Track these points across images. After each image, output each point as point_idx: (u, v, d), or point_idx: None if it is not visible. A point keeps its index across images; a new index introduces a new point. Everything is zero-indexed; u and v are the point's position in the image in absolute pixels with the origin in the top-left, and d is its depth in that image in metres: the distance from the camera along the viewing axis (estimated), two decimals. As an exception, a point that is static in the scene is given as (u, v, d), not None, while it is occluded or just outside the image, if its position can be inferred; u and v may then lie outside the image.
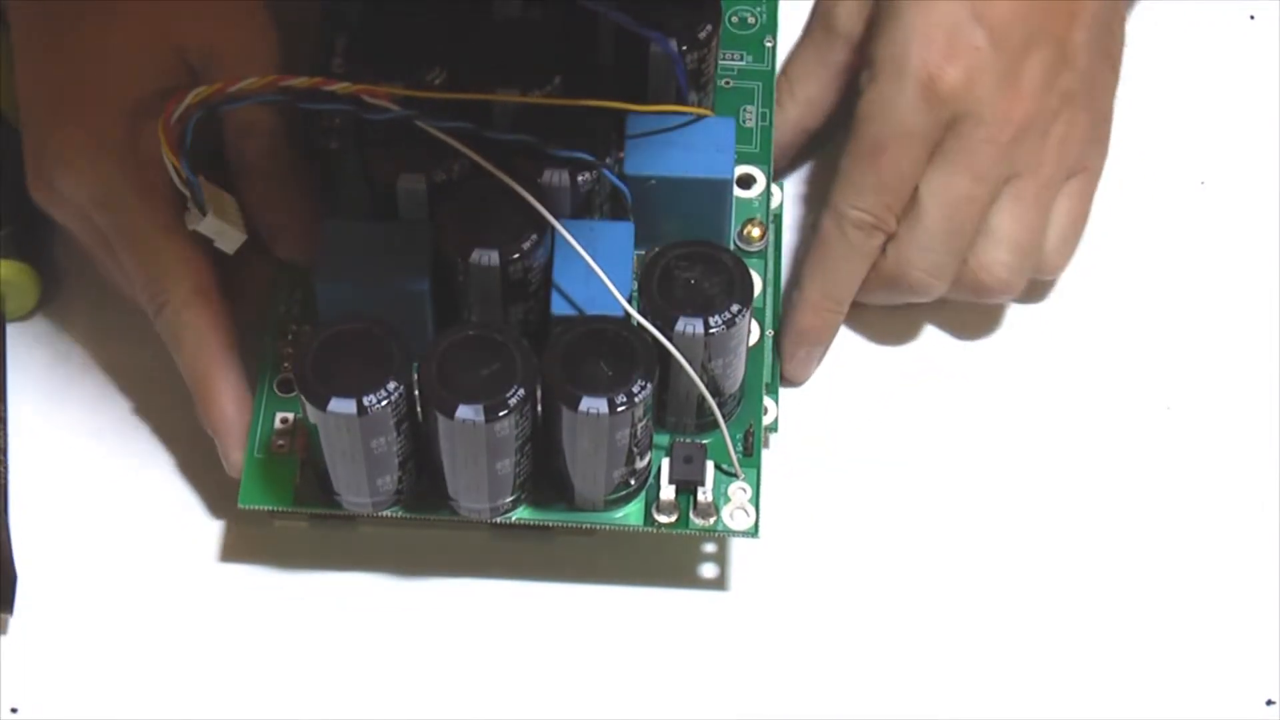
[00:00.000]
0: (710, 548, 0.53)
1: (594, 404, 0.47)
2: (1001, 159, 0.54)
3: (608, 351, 0.48)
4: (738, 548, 0.53)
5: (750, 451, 0.51)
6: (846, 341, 0.56)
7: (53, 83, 0.53)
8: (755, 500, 0.50)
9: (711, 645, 0.52)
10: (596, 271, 0.49)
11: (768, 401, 0.53)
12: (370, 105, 0.50)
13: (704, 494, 0.50)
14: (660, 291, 0.49)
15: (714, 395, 0.50)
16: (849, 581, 0.53)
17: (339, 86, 0.50)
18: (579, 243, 0.49)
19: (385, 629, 0.52)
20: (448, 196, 0.50)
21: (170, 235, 0.52)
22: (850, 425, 0.55)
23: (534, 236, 0.49)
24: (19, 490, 0.54)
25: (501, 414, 0.47)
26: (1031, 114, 0.54)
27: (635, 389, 0.47)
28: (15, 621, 0.52)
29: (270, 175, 0.53)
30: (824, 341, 0.55)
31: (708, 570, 0.53)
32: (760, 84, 0.56)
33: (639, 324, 0.48)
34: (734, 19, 0.57)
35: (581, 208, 0.51)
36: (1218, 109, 0.61)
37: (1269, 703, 0.51)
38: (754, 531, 0.50)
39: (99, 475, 0.54)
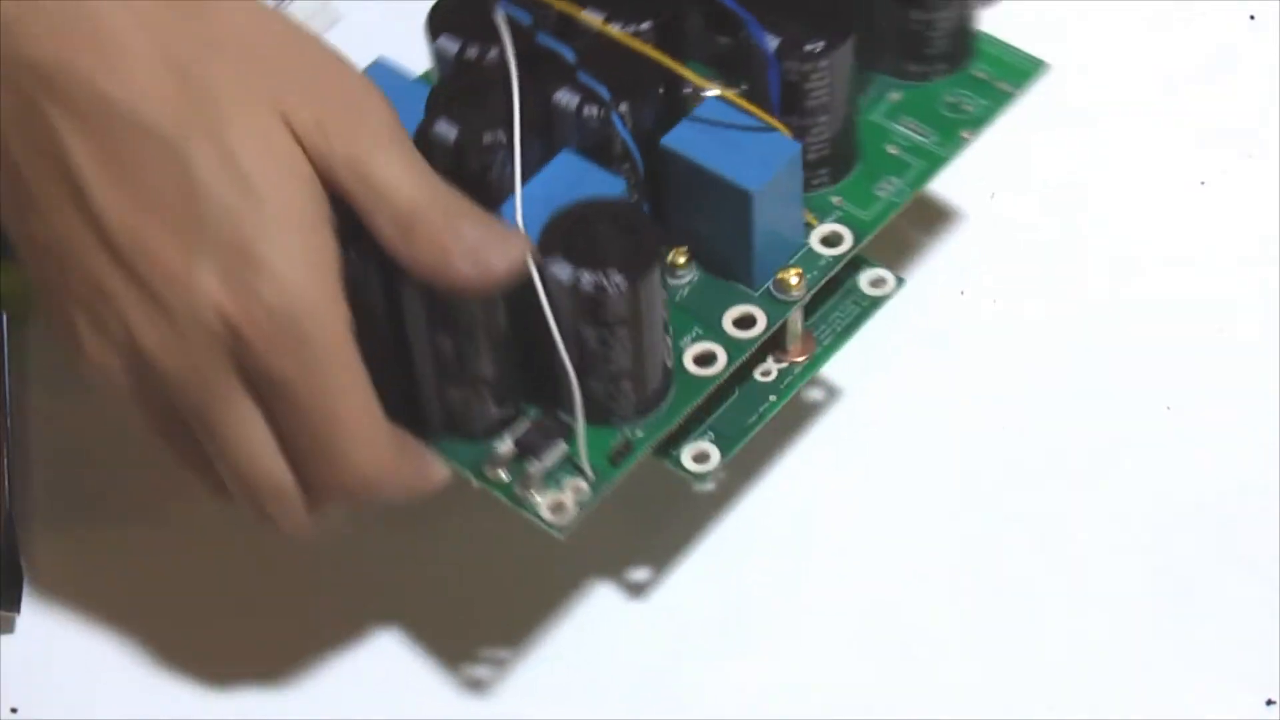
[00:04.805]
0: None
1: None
2: None
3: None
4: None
5: (616, 463, 0.48)
6: (849, 342, 0.56)
7: None
8: (582, 506, 0.47)
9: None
10: (516, 203, 0.47)
11: (705, 446, 0.50)
12: None
13: (535, 466, 0.47)
14: (557, 231, 0.46)
15: (584, 374, 0.47)
16: (846, 582, 0.53)
17: None
18: (561, 176, 0.47)
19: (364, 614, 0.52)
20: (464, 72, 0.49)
21: None
22: (848, 418, 0.55)
23: (500, 134, 0.48)
24: (23, 489, 0.54)
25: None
26: None
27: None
28: (18, 621, 0.52)
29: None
30: None
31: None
32: (922, 166, 0.53)
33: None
34: (951, 99, 0.54)
35: (595, 152, 0.49)
36: (1218, 109, 0.61)
37: (1269, 703, 0.51)
38: (559, 531, 0.47)
39: (101, 475, 0.55)
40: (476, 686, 0.52)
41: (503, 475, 0.48)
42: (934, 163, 0.53)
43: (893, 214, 0.52)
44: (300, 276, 0.44)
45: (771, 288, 0.50)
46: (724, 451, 0.50)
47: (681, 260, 0.50)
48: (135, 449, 0.55)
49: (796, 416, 0.55)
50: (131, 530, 0.54)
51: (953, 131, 0.53)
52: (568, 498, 0.47)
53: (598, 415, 0.48)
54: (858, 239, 0.51)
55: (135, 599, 0.53)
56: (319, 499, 0.46)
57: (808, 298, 0.50)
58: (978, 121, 0.53)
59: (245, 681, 0.51)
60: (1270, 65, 0.61)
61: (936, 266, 0.58)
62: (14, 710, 0.51)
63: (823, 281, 0.51)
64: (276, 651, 0.52)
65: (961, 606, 0.52)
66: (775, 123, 0.49)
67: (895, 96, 0.54)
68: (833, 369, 0.56)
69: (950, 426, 0.55)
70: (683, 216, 0.50)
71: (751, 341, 0.49)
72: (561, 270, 0.46)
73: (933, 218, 0.59)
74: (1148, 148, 0.60)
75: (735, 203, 0.49)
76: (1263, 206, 0.59)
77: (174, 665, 0.52)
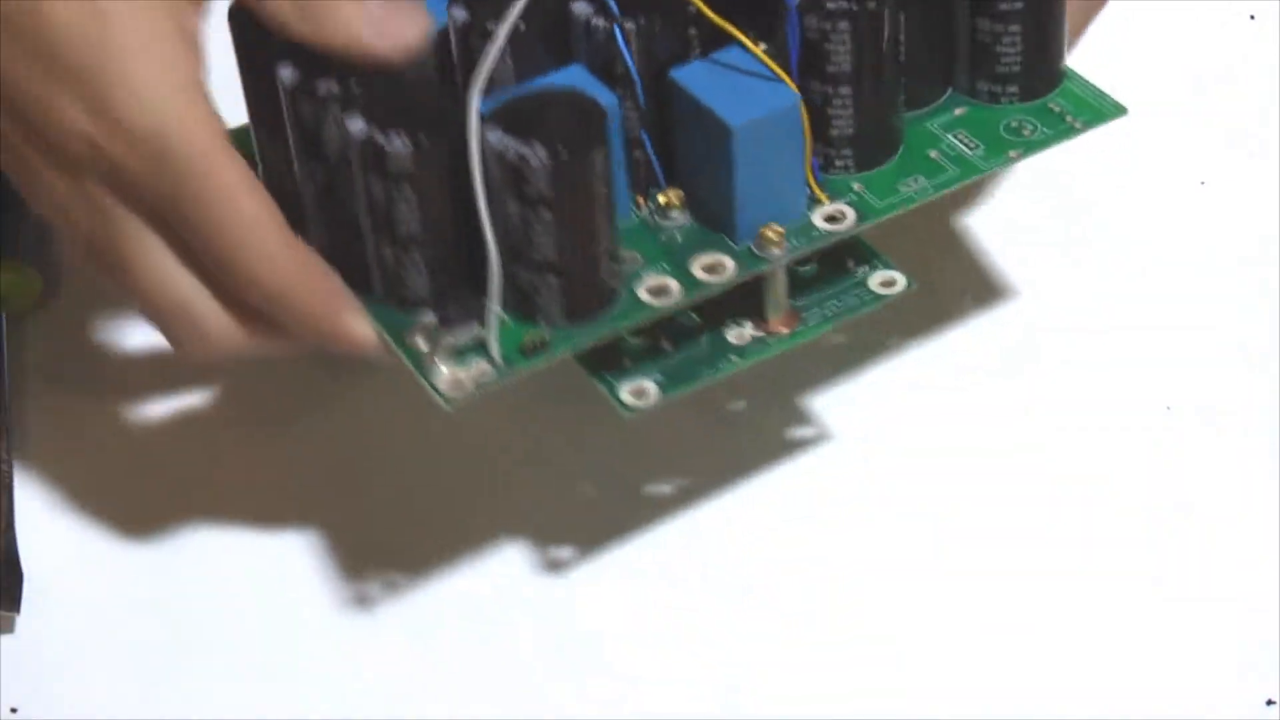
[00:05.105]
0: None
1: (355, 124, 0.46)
2: None
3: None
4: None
5: (527, 355, 0.47)
6: (842, 338, 0.56)
7: None
8: (479, 387, 0.47)
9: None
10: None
11: (647, 384, 0.49)
12: None
13: (446, 340, 0.47)
14: (508, 106, 0.46)
15: (510, 258, 0.47)
16: (828, 579, 0.53)
17: None
18: (557, 79, 0.48)
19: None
20: None
21: None
22: (842, 414, 0.55)
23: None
24: (23, 489, 0.54)
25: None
26: None
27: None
28: (18, 621, 0.52)
29: None
30: None
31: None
32: (956, 172, 0.51)
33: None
34: (1014, 122, 0.52)
35: (603, 70, 0.49)
36: (1218, 109, 0.61)
37: (1269, 703, 0.51)
38: (448, 404, 0.46)
39: (102, 474, 0.55)
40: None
41: (421, 344, 0.47)
42: (968, 171, 0.51)
43: (905, 208, 0.51)
44: (156, 92, 0.44)
45: (753, 244, 0.49)
46: (664, 390, 0.49)
47: (676, 202, 0.50)
48: (134, 449, 0.55)
49: (779, 411, 0.55)
50: (132, 530, 0.54)
51: (1002, 149, 0.52)
52: (468, 376, 0.47)
53: (525, 308, 0.48)
54: (860, 222, 0.50)
55: (135, 599, 0.53)
56: (243, 322, 0.47)
57: (786, 259, 0.49)
58: (1032, 146, 0.52)
59: (245, 682, 0.51)
60: (1270, 65, 0.61)
61: (936, 266, 0.58)
62: (14, 710, 0.51)
63: (808, 251, 0.50)
64: (277, 650, 0.52)
65: (954, 604, 0.52)
66: (783, 74, 0.48)
67: (959, 111, 0.53)
68: (826, 362, 0.56)
69: (947, 426, 0.55)
70: (684, 160, 0.50)
71: (710, 285, 0.49)
72: (493, 135, 0.46)
73: (933, 218, 0.59)
74: (1148, 148, 0.60)
75: (719, 139, 0.48)
76: (1263, 206, 0.59)
77: (173, 665, 0.52)
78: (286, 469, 0.55)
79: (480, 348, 0.47)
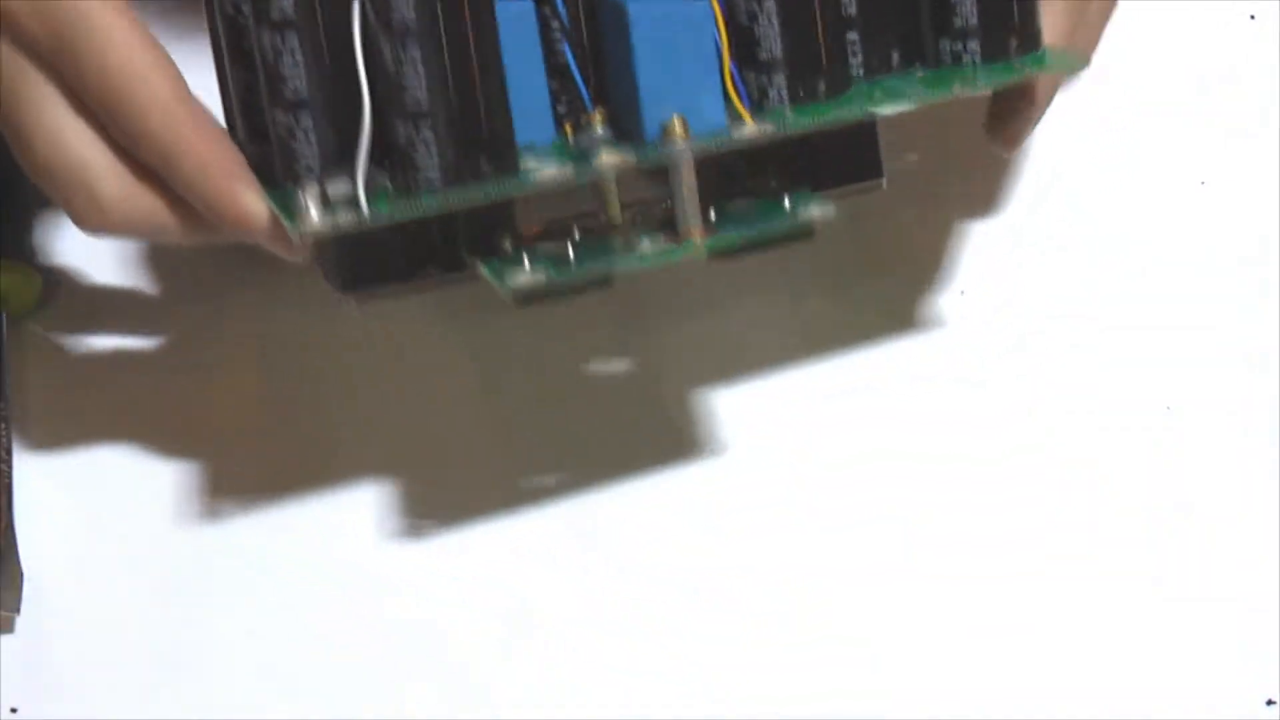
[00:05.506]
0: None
1: None
2: None
3: None
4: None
5: (390, 205, 0.46)
6: (842, 334, 0.56)
7: None
8: (333, 228, 0.46)
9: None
10: None
11: (536, 276, 0.47)
12: None
13: (315, 190, 0.46)
14: None
15: (386, 109, 0.46)
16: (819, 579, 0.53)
17: None
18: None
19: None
20: None
21: None
22: (841, 416, 0.55)
23: None
24: (23, 489, 0.54)
25: None
26: None
27: None
28: (18, 621, 0.52)
29: None
30: None
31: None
32: (887, 102, 0.49)
33: None
34: (970, 75, 0.50)
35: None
36: (1218, 109, 0.61)
37: (1269, 703, 0.51)
38: (295, 227, 0.46)
39: (102, 474, 0.55)
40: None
41: (300, 200, 0.46)
42: (897, 100, 0.50)
43: (824, 120, 0.49)
44: None
45: (659, 140, 0.48)
46: (551, 272, 0.48)
47: (599, 119, 0.49)
48: (134, 448, 0.55)
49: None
50: (131, 530, 0.54)
51: (946, 84, 0.50)
52: (327, 220, 0.46)
53: (405, 170, 0.47)
54: (777, 131, 0.48)
55: (135, 599, 0.53)
56: (140, 187, 0.47)
57: (688, 152, 0.48)
58: (971, 83, 0.50)
59: (242, 682, 0.51)
60: (1270, 65, 0.61)
61: (936, 266, 0.58)
62: (14, 710, 0.51)
63: (714, 147, 0.48)
64: (278, 646, 0.52)
65: (953, 604, 0.52)
66: None
67: (921, 74, 0.51)
68: (823, 358, 0.56)
69: (946, 424, 0.55)
70: (609, 74, 0.49)
71: (603, 169, 0.48)
72: None
73: (933, 217, 0.59)
74: (1148, 147, 0.60)
75: (622, 28, 0.47)
76: (1263, 206, 0.59)
77: (173, 666, 0.52)
78: (294, 470, 0.55)
79: (353, 204, 0.47)
